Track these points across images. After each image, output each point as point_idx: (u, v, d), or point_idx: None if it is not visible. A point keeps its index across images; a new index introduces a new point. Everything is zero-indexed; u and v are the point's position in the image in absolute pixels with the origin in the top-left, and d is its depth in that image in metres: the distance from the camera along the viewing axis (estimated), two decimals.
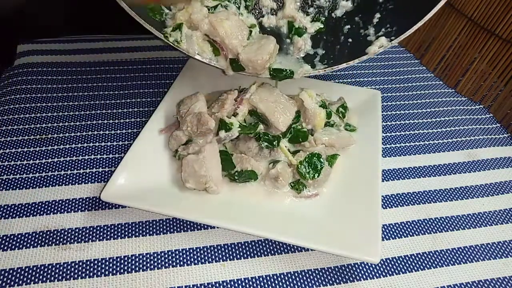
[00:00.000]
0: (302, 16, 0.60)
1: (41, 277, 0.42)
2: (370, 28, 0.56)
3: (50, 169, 0.53)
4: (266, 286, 0.43)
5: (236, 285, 0.43)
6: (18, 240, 0.45)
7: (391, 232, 0.50)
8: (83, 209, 0.49)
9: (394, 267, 0.46)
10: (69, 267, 0.43)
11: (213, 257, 0.46)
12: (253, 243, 0.47)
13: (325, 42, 0.59)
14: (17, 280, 0.42)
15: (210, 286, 0.43)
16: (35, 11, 0.84)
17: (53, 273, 0.43)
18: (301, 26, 0.59)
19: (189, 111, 0.53)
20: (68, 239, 0.46)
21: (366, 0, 0.58)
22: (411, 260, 0.47)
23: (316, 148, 0.52)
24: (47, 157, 0.54)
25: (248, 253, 0.46)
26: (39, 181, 0.51)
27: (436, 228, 0.51)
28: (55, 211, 0.48)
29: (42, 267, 0.43)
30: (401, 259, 0.47)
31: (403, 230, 0.50)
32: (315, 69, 0.57)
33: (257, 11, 0.60)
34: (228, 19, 0.52)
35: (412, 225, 0.51)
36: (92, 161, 0.55)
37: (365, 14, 0.57)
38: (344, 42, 0.58)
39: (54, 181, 0.52)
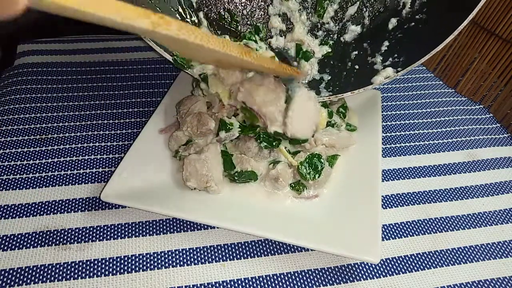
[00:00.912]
0: (310, 39, 0.60)
1: (41, 277, 0.42)
2: (377, 56, 0.55)
3: (50, 169, 0.53)
4: (266, 286, 0.43)
5: (236, 285, 0.43)
6: (18, 240, 0.45)
7: (391, 232, 0.50)
8: (83, 209, 0.49)
9: (394, 267, 0.46)
10: (69, 267, 0.43)
11: (213, 257, 0.46)
12: (253, 243, 0.47)
13: (332, 68, 0.59)
14: (17, 280, 0.42)
15: (210, 286, 0.43)
16: (35, 11, 0.84)
17: (53, 273, 0.43)
18: (309, 50, 0.59)
19: (189, 111, 0.53)
20: (68, 239, 0.46)
21: (375, 27, 0.57)
22: (411, 260, 0.47)
23: (317, 149, 0.52)
24: (47, 157, 0.54)
25: (248, 253, 0.46)
26: (39, 181, 0.51)
27: (436, 228, 0.51)
28: (55, 211, 0.48)
29: (42, 267, 0.43)
30: (401, 259, 0.47)
31: (403, 230, 0.50)
32: (320, 96, 0.56)
33: (266, 32, 0.61)
34: (263, 84, 0.48)
35: (412, 225, 0.51)
36: (92, 161, 0.55)
37: (374, 41, 0.57)
38: (350, 68, 0.57)
39: (54, 181, 0.52)
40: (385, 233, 0.50)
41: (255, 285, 0.44)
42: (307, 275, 0.45)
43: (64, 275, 0.43)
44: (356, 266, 0.46)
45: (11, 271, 0.42)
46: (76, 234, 0.46)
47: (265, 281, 0.44)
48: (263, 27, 0.61)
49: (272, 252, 0.47)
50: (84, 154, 0.55)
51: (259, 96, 0.48)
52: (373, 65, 0.55)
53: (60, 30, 0.79)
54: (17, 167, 0.53)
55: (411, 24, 0.54)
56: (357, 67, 0.57)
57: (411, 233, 0.50)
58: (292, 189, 0.50)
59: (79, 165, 0.54)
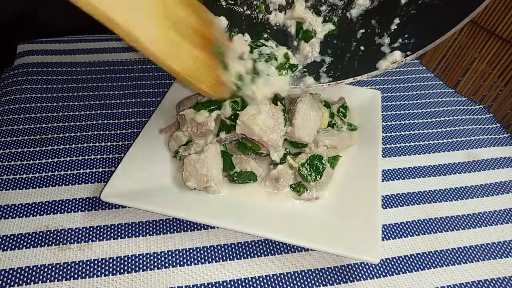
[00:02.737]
0: (312, 17, 0.54)
1: (41, 277, 0.42)
2: (386, 37, 0.50)
3: (50, 169, 0.53)
4: (266, 286, 0.43)
5: (236, 285, 0.43)
6: (18, 240, 0.45)
7: (391, 232, 0.50)
8: (83, 209, 0.49)
9: (394, 267, 0.46)
10: (69, 267, 0.43)
11: (213, 257, 0.46)
12: (253, 243, 0.47)
13: (335, 48, 0.54)
14: (17, 280, 0.42)
15: (210, 286, 0.43)
16: (35, 11, 0.84)
17: (53, 273, 0.43)
18: (310, 29, 0.54)
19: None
20: (68, 239, 0.46)
21: (386, 1, 0.51)
22: (411, 260, 0.47)
23: (318, 150, 0.52)
24: (47, 157, 0.54)
25: (248, 253, 0.46)
26: (39, 181, 0.51)
27: (436, 228, 0.51)
28: (55, 211, 0.48)
29: (42, 267, 0.43)
30: (401, 259, 0.47)
31: (403, 230, 0.50)
32: (319, 82, 0.52)
33: (263, 7, 0.55)
34: (260, 113, 0.48)
35: (412, 225, 0.51)
36: (92, 161, 0.55)
37: (383, 17, 0.51)
38: (355, 49, 0.52)
39: (54, 181, 0.52)
40: (385, 233, 0.50)
41: (255, 285, 0.44)
42: (307, 275, 0.45)
43: (64, 275, 0.43)
44: (356, 266, 0.46)
45: (11, 271, 0.42)
46: (76, 234, 0.46)
47: (265, 281, 0.44)
48: (260, 3, 0.55)
49: (272, 252, 0.47)
50: (84, 154, 0.55)
51: (257, 125, 0.47)
52: (380, 46, 0.50)
53: (60, 30, 0.79)
54: (17, 167, 0.53)
55: None
56: (362, 48, 0.52)
57: (411, 233, 0.50)
58: (293, 190, 0.50)
59: (79, 165, 0.54)
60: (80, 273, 0.43)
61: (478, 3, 0.40)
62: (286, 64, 0.51)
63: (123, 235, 0.47)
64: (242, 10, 0.56)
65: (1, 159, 0.53)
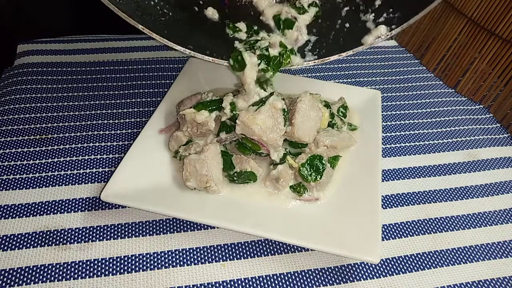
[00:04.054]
0: (285, 8, 0.54)
1: (41, 277, 0.42)
2: (370, 13, 0.50)
3: (50, 169, 0.53)
4: (266, 286, 0.43)
5: (236, 285, 0.43)
6: (18, 240, 0.45)
7: (391, 232, 0.50)
8: (83, 209, 0.49)
9: (394, 267, 0.46)
10: (69, 267, 0.43)
11: (213, 257, 0.46)
12: (253, 243, 0.47)
13: (320, 28, 0.54)
14: (17, 280, 0.42)
15: (210, 286, 0.43)
16: (35, 11, 0.84)
17: (53, 273, 0.43)
18: (289, 16, 0.53)
19: None
20: (68, 239, 0.46)
21: None
22: (411, 260, 0.47)
23: (318, 150, 0.52)
24: (47, 157, 0.54)
25: (248, 253, 0.46)
26: (39, 181, 0.51)
27: (436, 228, 0.51)
28: (55, 211, 0.48)
29: (42, 267, 0.43)
30: (401, 259, 0.47)
31: (403, 230, 0.50)
32: (305, 60, 0.52)
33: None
34: (260, 112, 0.48)
35: (412, 225, 0.51)
36: (92, 161, 0.55)
37: None
38: (340, 27, 0.53)
39: (54, 181, 0.52)
40: (385, 233, 0.50)
41: (255, 285, 0.44)
42: (307, 275, 0.45)
43: (64, 275, 0.43)
44: (356, 266, 0.46)
45: (11, 271, 0.42)
46: (76, 234, 0.46)
47: (265, 281, 0.44)
48: None
49: (272, 252, 0.47)
50: (84, 154, 0.55)
51: (257, 125, 0.48)
52: (365, 23, 0.50)
53: (60, 30, 0.79)
54: (17, 167, 0.53)
55: None
56: (347, 25, 0.52)
57: (411, 233, 0.50)
58: (293, 191, 0.50)
59: (79, 165, 0.54)
60: (80, 273, 0.43)
61: None
62: (286, 51, 0.52)
63: (123, 235, 0.47)
64: None
65: (1, 159, 0.53)
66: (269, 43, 0.51)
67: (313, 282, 0.44)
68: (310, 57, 0.52)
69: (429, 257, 0.48)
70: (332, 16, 0.54)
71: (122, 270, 0.43)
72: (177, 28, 0.50)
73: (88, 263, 0.44)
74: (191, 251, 0.46)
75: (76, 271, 0.43)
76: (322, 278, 0.45)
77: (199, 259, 0.45)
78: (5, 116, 0.60)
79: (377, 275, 0.45)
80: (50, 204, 0.49)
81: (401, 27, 0.47)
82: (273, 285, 0.44)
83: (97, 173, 0.53)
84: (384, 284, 0.45)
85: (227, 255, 0.46)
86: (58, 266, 0.43)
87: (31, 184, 0.51)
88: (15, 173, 0.52)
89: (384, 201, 0.53)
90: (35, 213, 0.48)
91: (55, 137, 0.57)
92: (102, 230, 0.47)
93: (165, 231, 0.48)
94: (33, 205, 0.49)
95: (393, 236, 0.49)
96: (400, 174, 0.57)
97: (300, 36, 0.53)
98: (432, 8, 0.44)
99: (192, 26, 0.52)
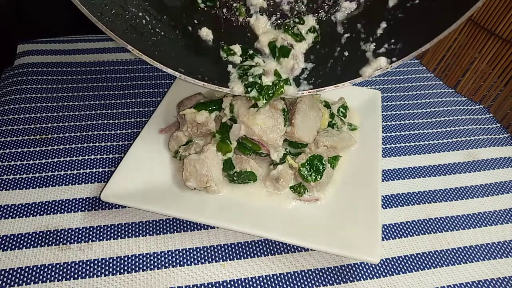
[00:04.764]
0: (281, 34, 0.52)
1: (41, 277, 0.42)
2: (371, 42, 0.47)
3: (50, 169, 0.53)
4: (266, 286, 0.43)
5: (236, 285, 0.43)
6: (18, 240, 0.45)
7: (391, 232, 0.50)
8: (83, 209, 0.49)
9: (394, 267, 0.46)
10: (69, 267, 0.43)
11: (213, 257, 0.46)
12: (253, 243, 0.47)
13: (318, 54, 0.51)
14: (17, 280, 0.42)
15: (210, 286, 0.43)
16: (35, 11, 0.84)
17: (53, 273, 0.43)
18: (285, 44, 0.51)
19: None
20: (68, 239, 0.46)
21: (373, 3, 0.49)
22: (411, 260, 0.47)
23: (318, 150, 0.52)
24: (47, 157, 0.54)
25: (248, 253, 0.46)
26: (39, 181, 0.51)
27: (436, 228, 0.51)
28: (55, 211, 0.48)
29: (42, 267, 0.43)
30: (401, 259, 0.47)
31: (403, 230, 0.50)
32: (299, 89, 0.49)
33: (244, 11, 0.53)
34: (260, 113, 0.48)
35: (412, 225, 0.51)
36: (92, 161, 0.55)
37: (370, 21, 0.49)
38: (339, 55, 0.50)
39: (54, 181, 0.52)
40: (385, 233, 0.50)
41: (255, 285, 0.44)
42: (307, 275, 0.45)
43: (64, 275, 0.43)
44: (356, 266, 0.46)
45: (11, 271, 0.42)
46: (76, 234, 0.46)
47: (265, 281, 0.44)
48: (240, 5, 0.53)
49: (272, 252, 0.47)
50: (84, 154, 0.55)
51: (257, 125, 0.48)
52: (365, 52, 0.48)
53: (60, 30, 0.79)
54: (17, 167, 0.53)
55: (415, 1, 0.45)
56: (346, 53, 0.49)
57: (411, 233, 0.50)
58: (293, 192, 0.50)
59: (79, 165, 0.54)
60: (80, 273, 0.43)
61: (468, 8, 0.39)
62: (280, 82, 0.49)
63: (123, 235, 0.47)
64: (221, 13, 0.53)
65: (1, 159, 0.53)
66: (263, 71, 0.49)
67: (313, 282, 0.44)
68: (305, 86, 0.49)
69: (429, 257, 0.48)
70: (332, 43, 0.51)
71: (122, 270, 0.43)
72: (168, 48, 0.48)
73: (88, 263, 0.44)
74: (191, 251, 0.46)
75: (76, 271, 0.43)
76: (322, 278, 0.45)
77: (199, 259, 0.45)
78: (5, 116, 0.60)
79: (377, 275, 0.45)
80: (50, 204, 0.49)
81: (402, 60, 0.44)
82: (273, 285, 0.44)
83: (97, 173, 0.53)
84: (384, 284, 0.45)
85: (227, 255, 0.46)
86: (58, 266, 0.43)
87: (31, 184, 0.51)
88: (15, 173, 0.52)
89: (384, 201, 0.53)
90: (35, 213, 0.48)
91: (55, 137, 0.57)
92: (102, 230, 0.47)
93: (165, 231, 0.48)
94: (33, 205, 0.49)
95: (393, 236, 0.49)
96: (400, 174, 0.57)
97: (297, 64, 0.50)
98: (436, 42, 0.42)
99: (185, 46, 0.50)
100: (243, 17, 0.53)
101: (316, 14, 0.53)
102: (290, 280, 0.44)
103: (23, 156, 0.54)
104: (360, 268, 0.46)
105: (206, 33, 0.52)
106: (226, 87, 0.49)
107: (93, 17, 0.40)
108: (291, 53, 0.50)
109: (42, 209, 0.48)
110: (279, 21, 0.53)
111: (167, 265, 0.44)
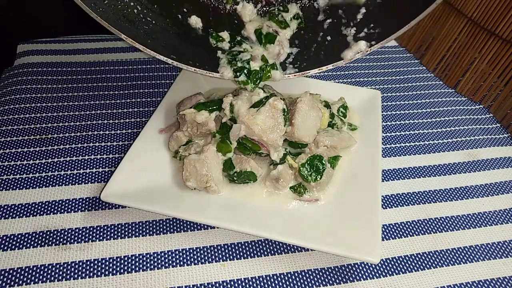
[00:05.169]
0: (266, 21, 0.54)
1: (41, 277, 0.42)
2: (352, 27, 0.51)
3: (50, 169, 0.53)
4: (266, 286, 0.43)
5: (236, 285, 0.43)
6: (18, 240, 0.45)
7: (391, 232, 0.50)
8: (83, 209, 0.49)
9: (394, 267, 0.46)
10: (69, 267, 0.43)
11: (213, 257, 0.46)
12: (253, 243, 0.47)
13: (302, 40, 0.54)
14: (17, 280, 0.42)
15: (210, 286, 0.43)
16: (35, 11, 0.84)
17: (53, 273, 0.43)
18: (270, 30, 0.54)
19: None
20: (68, 239, 0.46)
21: None
22: (411, 260, 0.47)
23: (318, 150, 0.52)
24: (47, 157, 0.54)
25: (248, 253, 0.46)
26: (39, 181, 0.51)
27: (436, 228, 0.51)
28: (55, 211, 0.48)
29: (42, 267, 0.43)
30: (401, 259, 0.47)
31: (403, 230, 0.50)
32: (285, 73, 0.52)
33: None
34: (260, 113, 0.48)
35: (412, 225, 0.51)
36: (92, 161, 0.55)
37: (350, 7, 0.52)
38: (322, 40, 0.53)
39: (54, 181, 0.52)
40: (385, 233, 0.50)
41: (255, 285, 0.44)
42: (307, 275, 0.45)
43: (64, 275, 0.43)
44: (356, 266, 0.46)
45: (11, 271, 0.42)
46: (76, 234, 0.46)
47: (265, 281, 0.44)
48: None
49: (272, 252, 0.47)
50: (84, 154, 0.55)
51: (257, 125, 0.48)
52: (346, 37, 0.51)
53: (60, 30, 0.79)
54: (17, 167, 0.53)
55: None
56: (329, 38, 0.52)
57: (411, 233, 0.50)
58: (294, 192, 0.50)
59: (79, 165, 0.54)
60: (80, 273, 0.43)
61: None
62: (267, 67, 0.52)
63: (123, 235, 0.47)
64: (209, 1, 0.56)
65: (1, 159, 0.53)
66: (251, 56, 0.51)
67: (313, 282, 0.44)
68: (290, 70, 0.53)
69: (429, 257, 0.48)
70: (315, 28, 0.54)
71: (122, 270, 0.43)
72: (160, 37, 0.50)
73: (88, 263, 0.44)
74: (191, 251, 0.46)
75: (76, 271, 0.43)
76: (322, 278, 0.45)
77: (199, 259, 0.45)
78: (5, 116, 0.60)
79: (377, 275, 0.45)
80: (50, 204, 0.49)
81: (380, 43, 0.47)
82: (273, 285, 0.44)
83: (97, 173, 0.53)
84: (384, 284, 0.45)
85: (227, 255, 0.46)
86: (58, 266, 0.43)
87: (31, 184, 0.51)
88: (15, 173, 0.52)
89: (384, 201, 0.53)
90: (35, 213, 0.48)
91: (55, 137, 0.57)
92: (102, 230, 0.47)
93: (165, 231, 0.48)
94: (33, 205, 0.49)
95: (393, 236, 0.49)
96: (400, 174, 0.57)
97: (282, 50, 0.53)
98: (411, 26, 0.44)
99: (176, 34, 0.52)
100: (230, 5, 0.56)
101: (300, 1, 0.56)
102: (290, 280, 0.44)
103: (23, 156, 0.54)
104: (360, 268, 0.46)
105: (195, 21, 0.54)
106: (216, 72, 0.51)
107: (87, 8, 0.42)
108: (277, 39, 0.53)
109: (42, 209, 0.48)
110: (264, 8, 0.56)
111: (167, 265, 0.44)
